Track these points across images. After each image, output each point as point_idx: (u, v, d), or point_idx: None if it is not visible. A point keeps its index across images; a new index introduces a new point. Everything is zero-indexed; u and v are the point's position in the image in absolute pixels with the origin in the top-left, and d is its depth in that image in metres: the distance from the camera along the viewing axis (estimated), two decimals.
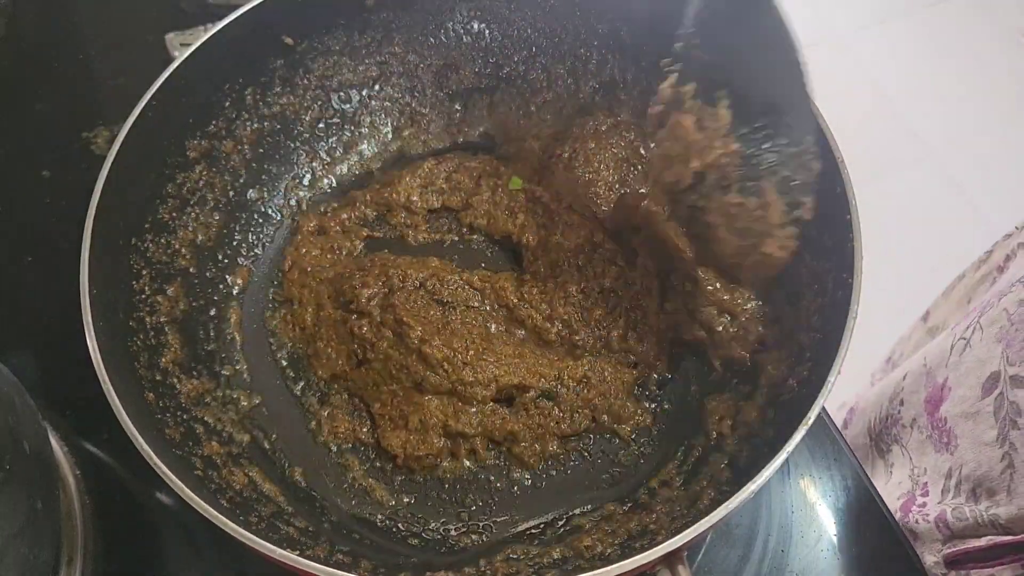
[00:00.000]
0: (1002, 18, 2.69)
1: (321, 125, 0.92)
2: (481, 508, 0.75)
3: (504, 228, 0.88)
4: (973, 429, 0.80)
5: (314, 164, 0.93)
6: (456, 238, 0.90)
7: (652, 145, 0.72)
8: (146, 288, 0.76)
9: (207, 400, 0.76)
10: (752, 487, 0.56)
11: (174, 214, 0.81)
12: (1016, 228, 0.97)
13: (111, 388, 0.60)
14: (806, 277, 0.73)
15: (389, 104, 0.96)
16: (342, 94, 0.92)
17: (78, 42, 1.13)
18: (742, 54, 0.64)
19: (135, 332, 0.73)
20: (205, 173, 0.84)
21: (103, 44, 1.13)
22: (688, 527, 0.55)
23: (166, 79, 0.76)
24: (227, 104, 0.84)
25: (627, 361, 0.80)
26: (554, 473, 0.77)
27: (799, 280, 0.74)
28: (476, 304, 0.82)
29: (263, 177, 0.90)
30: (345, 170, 0.94)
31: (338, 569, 0.54)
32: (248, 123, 0.87)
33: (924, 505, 0.88)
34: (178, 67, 0.76)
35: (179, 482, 0.57)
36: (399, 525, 0.73)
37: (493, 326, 0.81)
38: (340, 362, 0.80)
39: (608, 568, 0.54)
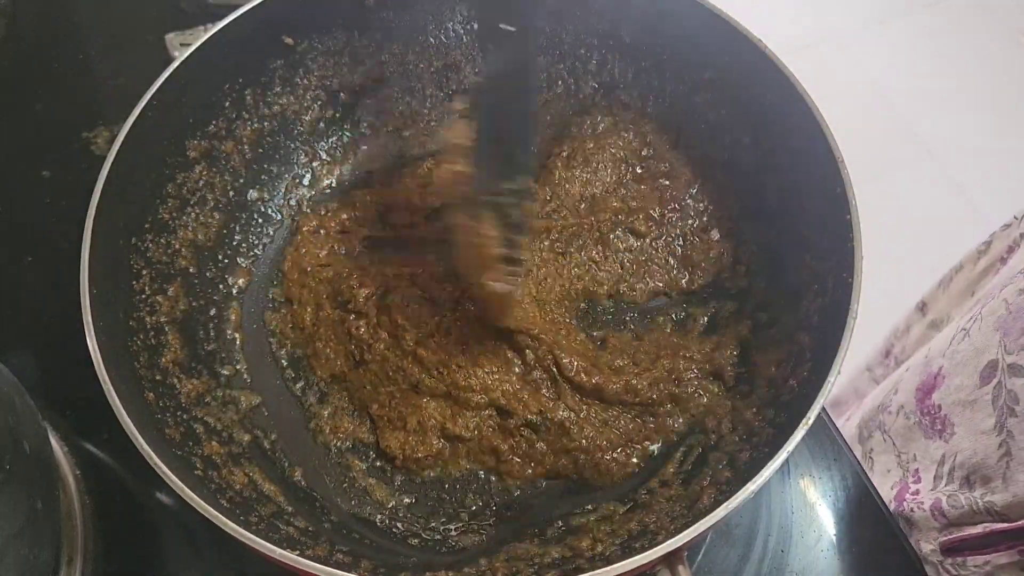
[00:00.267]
0: (1002, 18, 2.69)
1: (321, 125, 0.92)
2: (481, 508, 0.75)
3: None
4: (971, 417, 0.81)
5: (314, 164, 0.93)
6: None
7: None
8: (146, 288, 0.76)
9: (207, 400, 0.76)
10: (752, 487, 0.56)
11: (174, 214, 0.81)
12: (1015, 218, 0.96)
13: (111, 388, 0.60)
14: (806, 277, 0.73)
15: (389, 104, 0.96)
16: (342, 94, 0.92)
17: (78, 42, 1.13)
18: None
19: (135, 332, 0.73)
20: (205, 173, 0.84)
21: (103, 44, 1.13)
22: (688, 527, 0.55)
23: (166, 79, 0.76)
24: (227, 104, 0.84)
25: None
26: None
27: (799, 280, 0.74)
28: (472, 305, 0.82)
29: (263, 177, 0.90)
30: (345, 170, 0.94)
31: (338, 569, 0.54)
32: (248, 123, 0.87)
33: (918, 493, 0.88)
34: (178, 67, 0.76)
35: (179, 482, 0.57)
36: (399, 525, 0.73)
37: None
38: (339, 363, 0.80)
39: (608, 568, 0.54)
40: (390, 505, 0.75)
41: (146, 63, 1.00)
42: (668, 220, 0.86)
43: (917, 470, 0.90)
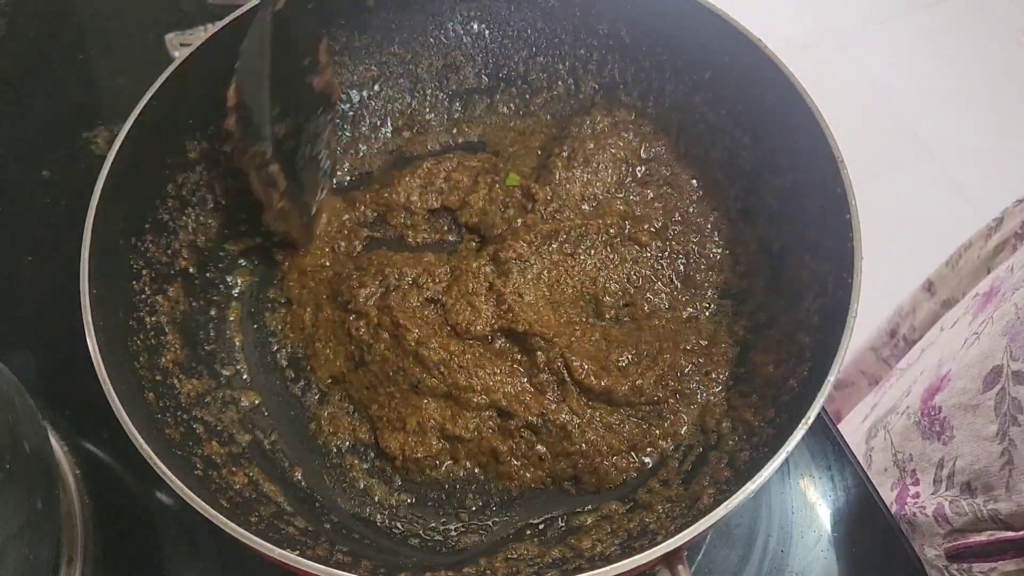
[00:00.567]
0: (1002, 18, 2.69)
1: None
2: (481, 508, 0.75)
3: (497, 224, 0.87)
4: (972, 422, 0.80)
5: None
6: (456, 238, 0.90)
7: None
8: (146, 288, 0.76)
9: (207, 400, 0.76)
10: (752, 487, 0.56)
11: (174, 214, 0.81)
12: None
13: (111, 388, 0.60)
14: (806, 277, 0.73)
15: (389, 104, 0.96)
16: (342, 94, 0.92)
17: (78, 42, 1.13)
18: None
19: (135, 332, 0.73)
20: (205, 173, 0.84)
21: (103, 44, 1.13)
22: (688, 527, 0.55)
23: (166, 79, 0.76)
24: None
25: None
26: None
27: (799, 280, 0.74)
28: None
29: None
30: (345, 170, 0.94)
31: (338, 569, 0.54)
32: None
33: (918, 496, 0.88)
34: (178, 67, 0.76)
35: (179, 482, 0.57)
36: (399, 525, 0.73)
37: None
38: (339, 363, 0.80)
39: (608, 568, 0.54)
40: (390, 505, 0.75)
41: (146, 63, 1.00)
42: (672, 234, 0.85)
43: (914, 471, 0.89)
